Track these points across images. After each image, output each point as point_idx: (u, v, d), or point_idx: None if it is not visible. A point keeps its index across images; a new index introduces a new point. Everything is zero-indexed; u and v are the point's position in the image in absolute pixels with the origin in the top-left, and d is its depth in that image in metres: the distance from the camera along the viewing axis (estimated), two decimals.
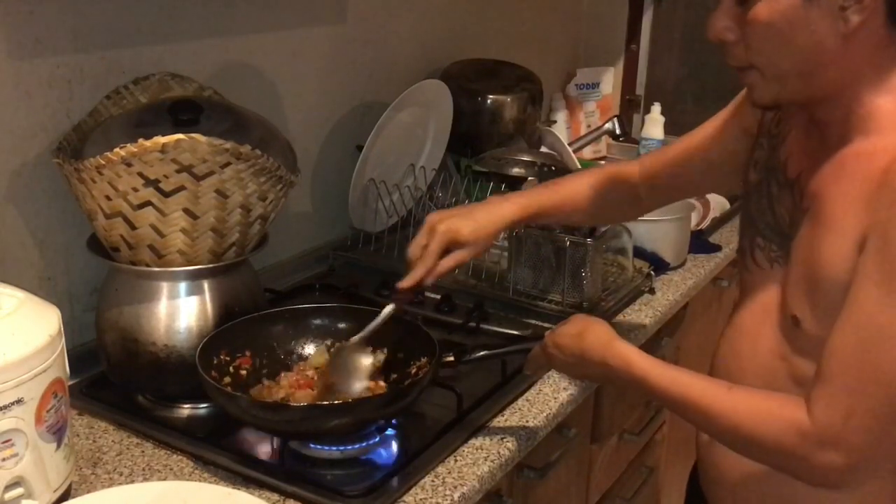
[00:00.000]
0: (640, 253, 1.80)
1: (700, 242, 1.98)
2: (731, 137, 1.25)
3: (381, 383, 1.27)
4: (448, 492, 1.13)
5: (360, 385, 1.25)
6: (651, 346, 1.72)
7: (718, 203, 2.20)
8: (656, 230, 1.84)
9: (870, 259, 0.92)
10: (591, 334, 1.14)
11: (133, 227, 1.21)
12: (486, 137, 2.04)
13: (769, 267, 1.11)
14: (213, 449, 1.18)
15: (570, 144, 2.23)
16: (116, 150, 1.15)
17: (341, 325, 1.35)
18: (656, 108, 2.56)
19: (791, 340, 1.06)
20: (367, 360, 1.27)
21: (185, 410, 1.30)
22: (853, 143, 0.99)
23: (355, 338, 1.27)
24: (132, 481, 1.13)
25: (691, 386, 1.05)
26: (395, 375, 1.29)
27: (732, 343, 1.16)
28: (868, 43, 0.95)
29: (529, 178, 1.87)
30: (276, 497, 1.11)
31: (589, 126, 2.68)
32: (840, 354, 0.94)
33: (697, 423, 1.08)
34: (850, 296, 0.94)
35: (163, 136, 1.15)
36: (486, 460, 1.20)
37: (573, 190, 1.39)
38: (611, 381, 1.20)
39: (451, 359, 1.25)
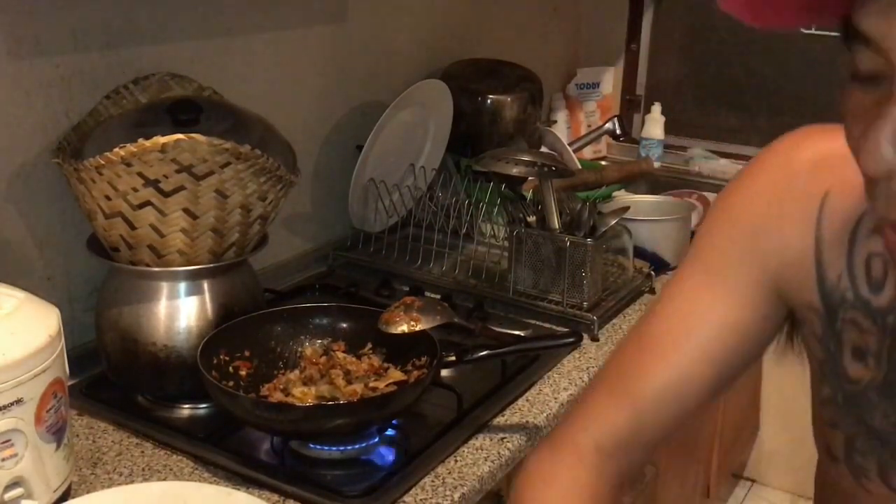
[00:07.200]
0: (640, 253, 1.80)
1: None
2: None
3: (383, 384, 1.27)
4: (448, 492, 1.13)
5: None
6: None
7: None
8: (656, 230, 1.84)
9: None
10: None
11: (133, 227, 1.21)
12: (486, 137, 2.03)
13: None
14: (213, 449, 1.18)
15: (570, 144, 2.23)
16: (116, 150, 1.15)
17: (341, 325, 1.35)
18: (656, 108, 2.56)
19: None
20: None
21: (185, 410, 1.30)
22: None
23: None
24: (132, 481, 1.13)
25: None
26: (395, 375, 1.28)
27: None
28: None
29: (529, 178, 1.86)
30: (276, 497, 1.11)
31: (589, 126, 2.68)
32: None
33: None
34: None
35: (163, 136, 1.15)
36: (486, 460, 1.19)
37: None
38: None
39: (454, 358, 1.25)
